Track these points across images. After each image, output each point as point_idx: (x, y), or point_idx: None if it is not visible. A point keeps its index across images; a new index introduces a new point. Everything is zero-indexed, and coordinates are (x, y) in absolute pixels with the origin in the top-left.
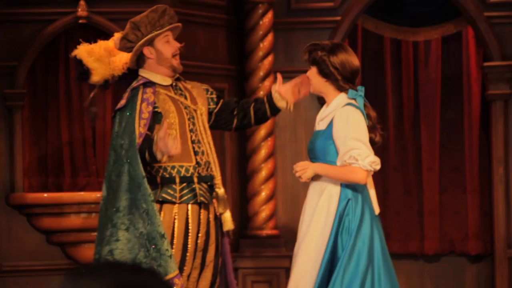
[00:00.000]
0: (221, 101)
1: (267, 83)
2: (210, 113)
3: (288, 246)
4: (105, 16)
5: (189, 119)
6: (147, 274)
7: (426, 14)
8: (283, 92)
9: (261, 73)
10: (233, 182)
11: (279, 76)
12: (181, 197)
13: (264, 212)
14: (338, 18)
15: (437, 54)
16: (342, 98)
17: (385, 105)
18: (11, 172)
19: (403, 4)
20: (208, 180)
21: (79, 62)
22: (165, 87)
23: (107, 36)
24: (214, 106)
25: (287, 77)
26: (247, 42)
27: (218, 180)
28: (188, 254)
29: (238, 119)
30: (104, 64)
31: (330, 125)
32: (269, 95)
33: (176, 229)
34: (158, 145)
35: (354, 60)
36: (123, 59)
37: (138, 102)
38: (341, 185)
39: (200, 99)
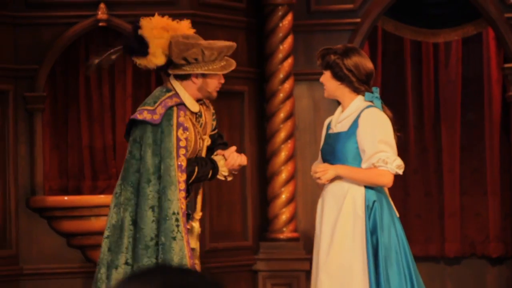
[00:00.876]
0: (215, 132)
1: (287, 85)
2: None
3: (308, 249)
4: (125, 19)
5: (198, 150)
6: (195, 276)
7: (446, 15)
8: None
9: (281, 75)
10: (253, 185)
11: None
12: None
13: (284, 215)
14: (358, 20)
15: (457, 55)
16: (360, 100)
17: (405, 107)
18: (32, 175)
19: (423, 5)
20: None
21: (136, 37)
22: (191, 112)
23: None
24: (213, 133)
25: (307, 79)
26: (266, 44)
27: (197, 214)
28: None
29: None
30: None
31: (353, 127)
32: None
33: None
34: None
35: (367, 62)
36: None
37: (174, 127)
38: (365, 187)
39: (208, 125)
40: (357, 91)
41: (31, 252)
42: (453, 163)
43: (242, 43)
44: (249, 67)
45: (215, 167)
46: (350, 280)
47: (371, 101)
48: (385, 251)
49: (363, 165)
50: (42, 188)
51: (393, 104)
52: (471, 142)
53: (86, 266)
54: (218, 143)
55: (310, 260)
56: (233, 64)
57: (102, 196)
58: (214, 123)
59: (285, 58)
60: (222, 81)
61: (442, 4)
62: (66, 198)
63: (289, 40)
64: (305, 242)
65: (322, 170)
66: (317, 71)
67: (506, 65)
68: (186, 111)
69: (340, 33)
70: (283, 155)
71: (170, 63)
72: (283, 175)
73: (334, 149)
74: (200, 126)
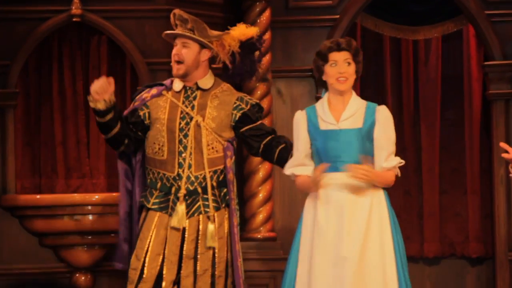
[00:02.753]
0: (247, 127)
1: (264, 83)
2: (233, 128)
3: (285, 249)
4: (99, 14)
5: (180, 129)
6: None
7: (426, 12)
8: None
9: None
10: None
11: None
12: (153, 203)
13: (261, 214)
14: (337, 16)
15: (438, 53)
16: (355, 96)
17: (385, 105)
18: (3, 173)
19: (403, 2)
20: (192, 195)
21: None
22: (176, 92)
23: (101, 34)
24: (233, 124)
25: (285, 76)
26: None
27: (181, 192)
28: (166, 260)
29: (262, 152)
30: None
31: (368, 123)
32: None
33: (153, 236)
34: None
35: None
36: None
37: (136, 99)
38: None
39: (220, 111)
40: (356, 80)
41: (3, 251)
42: (432, 162)
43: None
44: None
45: None
46: (384, 281)
47: None
48: (403, 249)
49: (384, 164)
50: (14, 187)
51: (372, 101)
52: (451, 141)
53: (59, 267)
54: (277, 145)
55: (286, 260)
56: (178, 30)
57: (75, 195)
58: (238, 114)
59: (263, 55)
60: (174, 51)
61: (422, 1)
62: (38, 196)
63: (267, 36)
64: (283, 241)
65: (365, 173)
66: (295, 67)
67: (486, 63)
68: (169, 90)
69: (319, 30)
70: None
71: None
72: (260, 174)
73: (350, 146)
74: (192, 108)
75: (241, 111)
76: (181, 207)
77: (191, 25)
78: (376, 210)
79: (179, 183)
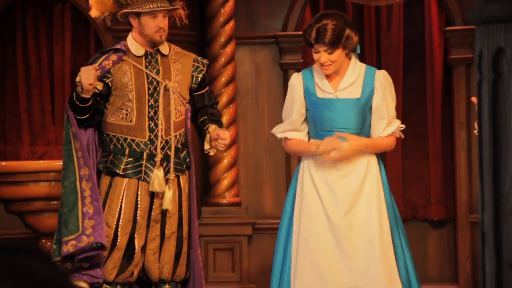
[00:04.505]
0: (200, 93)
1: (228, 49)
2: (190, 91)
3: (250, 213)
4: None
5: (150, 94)
6: (29, 256)
7: None
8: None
9: (222, 39)
10: (194, 149)
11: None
12: (124, 169)
13: (226, 180)
14: None
15: (399, 19)
16: (355, 62)
17: None
18: None
19: None
20: (164, 159)
21: None
22: (137, 57)
23: (64, 1)
24: (194, 86)
25: (248, 43)
26: (208, 8)
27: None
28: (137, 226)
29: (196, 123)
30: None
31: (366, 92)
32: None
33: (124, 202)
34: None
35: None
36: None
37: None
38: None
39: (182, 74)
40: (349, 54)
41: None
42: None
43: (183, 6)
44: (190, 30)
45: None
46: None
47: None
48: (398, 215)
49: (383, 132)
50: None
51: None
52: (413, 106)
53: (25, 233)
54: (209, 112)
55: (252, 225)
56: (161, 6)
57: (40, 161)
58: (199, 76)
59: (226, 21)
60: (161, 24)
61: None
62: (3, 163)
63: (230, 3)
64: (247, 207)
65: (333, 147)
66: (259, 34)
67: (448, 28)
68: (123, 56)
69: None
70: (225, 119)
71: None
72: None
73: (349, 117)
74: (157, 73)
75: (201, 73)
76: (160, 172)
77: None
78: (369, 178)
79: (151, 148)
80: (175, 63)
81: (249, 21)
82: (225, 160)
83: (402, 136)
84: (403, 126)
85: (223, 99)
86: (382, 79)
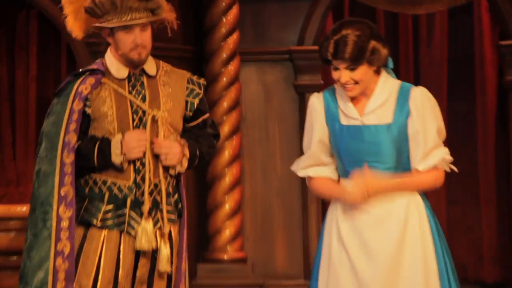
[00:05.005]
0: (196, 123)
1: (231, 67)
2: (185, 119)
3: (258, 272)
4: None
5: (135, 126)
6: None
7: None
8: None
9: (224, 55)
10: (189, 192)
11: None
12: (102, 220)
13: (228, 230)
14: None
15: (443, 30)
16: (386, 78)
17: None
18: None
19: None
20: (153, 207)
21: None
22: (118, 80)
23: (29, 9)
24: (190, 114)
25: (257, 59)
26: (206, 16)
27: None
28: (119, 287)
29: None
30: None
31: (399, 114)
32: None
33: (102, 259)
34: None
35: None
36: None
37: (71, 96)
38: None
39: (173, 100)
40: (378, 70)
41: None
42: None
43: (176, 14)
44: (183, 44)
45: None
46: None
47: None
48: (452, 269)
49: (419, 165)
50: None
51: None
52: (460, 139)
53: None
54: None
55: (260, 287)
56: (138, 18)
57: None
58: (196, 101)
59: (229, 33)
60: (138, 40)
61: None
62: None
63: (234, 11)
64: (254, 263)
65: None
66: (269, 49)
67: (503, 43)
68: (102, 79)
69: (297, 3)
70: (226, 154)
71: None
72: (227, 180)
73: (380, 148)
74: (143, 99)
75: (197, 98)
76: (149, 225)
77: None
78: (410, 226)
79: (137, 194)
80: (165, 86)
81: (257, 32)
82: (227, 205)
83: (455, 169)
84: (450, 158)
85: (225, 129)
86: (420, 97)
